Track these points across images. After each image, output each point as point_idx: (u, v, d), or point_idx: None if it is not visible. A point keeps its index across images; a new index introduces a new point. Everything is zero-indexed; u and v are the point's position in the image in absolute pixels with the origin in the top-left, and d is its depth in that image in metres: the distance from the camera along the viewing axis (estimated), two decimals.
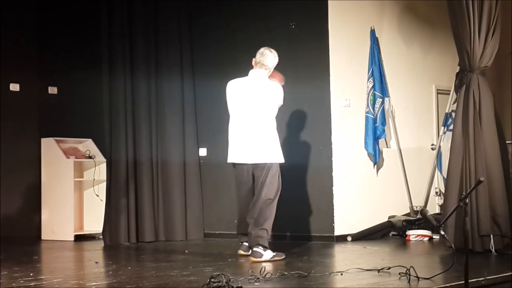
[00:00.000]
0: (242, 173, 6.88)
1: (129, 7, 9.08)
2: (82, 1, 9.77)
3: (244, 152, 6.81)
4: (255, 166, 6.81)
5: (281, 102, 6.95)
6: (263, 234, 6.65)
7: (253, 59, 6.94)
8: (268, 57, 6.87)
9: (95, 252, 8.17)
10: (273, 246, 6.84)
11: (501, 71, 8.55)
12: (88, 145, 9.88)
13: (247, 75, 6.95)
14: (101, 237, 9.01)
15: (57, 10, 9.94)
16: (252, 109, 6.81)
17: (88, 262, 7.37)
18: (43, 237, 9.56)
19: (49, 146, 9.62)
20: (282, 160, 6.91)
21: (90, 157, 9.71)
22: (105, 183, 9.05)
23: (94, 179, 9.65)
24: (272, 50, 6.93)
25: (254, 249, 6.63)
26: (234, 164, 6.95)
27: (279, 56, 6.97)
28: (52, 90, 10.07)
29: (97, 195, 9.62)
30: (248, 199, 6.87)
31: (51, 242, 9.23)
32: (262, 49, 6.93)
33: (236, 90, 6.91)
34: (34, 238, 9.55)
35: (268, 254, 6.63)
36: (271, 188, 6.77)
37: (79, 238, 9.36)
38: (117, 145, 8.90)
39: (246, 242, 6.91)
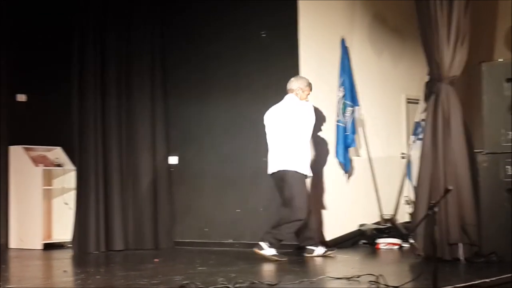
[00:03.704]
0: (275, 183, 7.63)
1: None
2: (54, 9, 9.69)
3: (271, 163, 7.58)
4: (275, 174, 7.53)
5: (313, 119, 7.57)
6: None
7: None
8: (291, 82, 7.67)
9: (63, 261, 8.10)
10: (241, 253, 6.81)
11: (470, 81, 8.60)
12: (57, 153, 9.80)
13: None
14: (70, 245, 8.94)
15: (28, 17, 9.83)
16: (281, 127, 7.49)
17: (57, 271, 7.31)
18: (11, 246, 9.45)
19: (17, 154, 9.52)
20: (304, 171, 7.45)
21: (59, 165, 9.64)
22: (74, 191, 8.98)
23: (63, 187, 9.58)
24: (297, 76, 7.81)
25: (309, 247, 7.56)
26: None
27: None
28: (21, 97, 9.96)
29: (66, 203, 9.53)
30: (283, 206, 7.51)
31: (19, 251, 9.13)
32: None
33: (270, 115, 7.65)
34: (2, 246, 9.43)
35: (320, 250, 7.59)
36: (300, 202, 7.41)
37: (48, 247, 9.27)
38: (86, 153, 8.84)
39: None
